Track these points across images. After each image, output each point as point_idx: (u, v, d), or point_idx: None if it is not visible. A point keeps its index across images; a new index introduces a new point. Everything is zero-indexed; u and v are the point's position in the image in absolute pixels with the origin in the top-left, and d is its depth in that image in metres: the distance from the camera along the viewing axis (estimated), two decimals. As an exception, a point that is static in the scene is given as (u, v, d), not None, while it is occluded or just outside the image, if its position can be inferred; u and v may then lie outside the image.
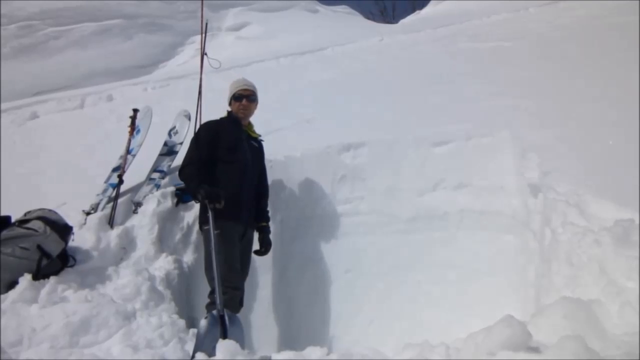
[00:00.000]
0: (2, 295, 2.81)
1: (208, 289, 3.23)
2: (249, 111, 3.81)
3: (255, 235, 3.77)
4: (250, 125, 3.88)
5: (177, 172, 4.26)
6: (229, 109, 3.82)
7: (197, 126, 4.20)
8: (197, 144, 3.56)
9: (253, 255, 3.71)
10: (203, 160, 3.48)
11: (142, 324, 2.79)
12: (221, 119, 3.79)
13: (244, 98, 3.75)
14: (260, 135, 3.94)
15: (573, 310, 2.05)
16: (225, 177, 3.50)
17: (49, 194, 4.37)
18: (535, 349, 1.85)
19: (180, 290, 3.48)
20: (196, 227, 3.84)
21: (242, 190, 3.57)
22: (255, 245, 3.74)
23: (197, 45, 12.12)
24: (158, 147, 4.46)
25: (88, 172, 4.91)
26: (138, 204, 3.88)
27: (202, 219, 3.51)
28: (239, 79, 3.92)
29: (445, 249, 4.23)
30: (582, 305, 2.09)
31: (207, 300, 3.24)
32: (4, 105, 8.49)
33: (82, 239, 3.40)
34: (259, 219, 3.81)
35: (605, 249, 2.36)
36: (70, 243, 3.26)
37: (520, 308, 3.35)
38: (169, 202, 3.90)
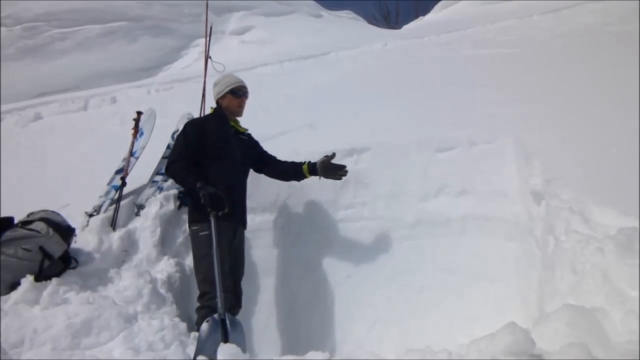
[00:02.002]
0: (4, 297, 2.81)
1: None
2: (243, 108, 3.75)
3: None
4: (237, 120, 3.77)
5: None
6: (215, 106, 3.71)
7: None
8: (185, 140, 3.42)
9: (255, 259, 3.70)
10: (190, 155, 3.36)
11: (144, 326, 2.79)
12: (206, 116, 3.71)
13: (243, 95, 3.69)
14: (247, 130, 3.83)
15: (576, 318, 2.04)
16: (215, 174, 3.36)
17: (52, 196, 4.39)
18: (538, 357, 1.84)
19: (181, 293, 3.47)
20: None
21: (234, 188, 3.46)
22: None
23: (201, 49, 12.20)
24: (161, 150, 4.46)
25: (91, 174, 4.93)
26: (140, 207, 3.88)
27: (193, 217, 3.38)
28: (229, 75, 3.81)
29: (447, 254, 4.22)
30: (586, 313, 2.08)
31: (198, 304, 3.15)
32: (8, 106, 8.53)
33: (84, 240, 3.41)
34: (298, 164, 3.79)
35: (608, 257, 2.35)
36: (73, 245, 3.27)
37: (522, 315, 3.34)
38: (171, 205, 3.90)
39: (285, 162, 3.90)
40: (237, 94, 3.67)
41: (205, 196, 3.08)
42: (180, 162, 3.33)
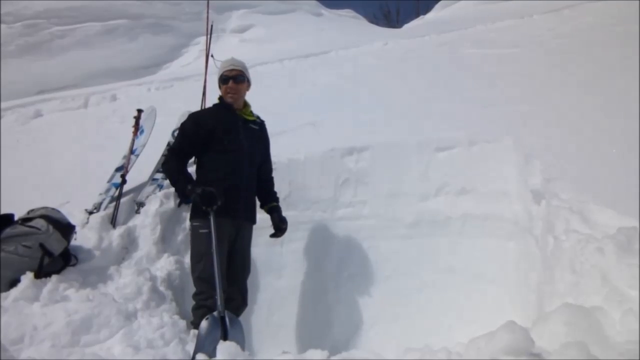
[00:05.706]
0: (4, 293, 2.82)
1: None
2: (238, 94, 3.41)
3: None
4: (246, 108, 3.50)
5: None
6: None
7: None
8: (182, 135, 3.34)
9: (255, 257, 3.68)
10: (186, 153, 3.30)
11: (143, 324, 2.80)
12: (212, 106, 3.49)
13: (230, 80, 3.36)
14: (259, 117, 3.58)
15: (575, 317, 2.04)
16: (220, 168, 3.24)
17: (52, 193, 4.38)
18: (537, 355, 1.85)
19: (181, 291, 3.48)
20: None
21: (241, 182, 3.31)
22: (270, 230, 3.53)
23: (202, 47, 12.18)
24: (161, 148, 4.46)
25: (91, 171, 4.93)
26: (141, 204, 3.89)
27: (195, 213, 3.24)
28: (227, 59, 3.54)
29: (447, 254, 4.23)
30: (585, 312, 2.09)
31: (193, 302, 3.12)
32: (8, 104, 8.52)
33: (84, 238, 3.41)
34: (268, 200, 3.57)
35: (608, 256, 2.36)
36: (73, 242, 3.27)
37: (521, 314, 3.34)
38: (171, 203, 3.90)
39: (268, 185, 3.65)
40: (224, 80, 3.41)
41: (195, 198, 3.04)
42: (172, 161, 3.29)
